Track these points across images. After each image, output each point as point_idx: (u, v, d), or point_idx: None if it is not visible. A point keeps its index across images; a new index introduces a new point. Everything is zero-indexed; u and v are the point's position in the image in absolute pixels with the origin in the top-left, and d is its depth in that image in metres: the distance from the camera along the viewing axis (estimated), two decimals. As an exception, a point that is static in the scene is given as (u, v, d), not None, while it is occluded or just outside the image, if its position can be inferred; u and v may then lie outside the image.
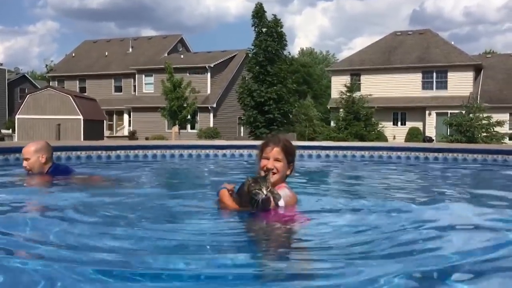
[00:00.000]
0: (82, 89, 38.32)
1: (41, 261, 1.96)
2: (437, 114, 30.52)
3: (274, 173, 2.79)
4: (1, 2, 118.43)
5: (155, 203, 3.60)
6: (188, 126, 32.22)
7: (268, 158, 2.81)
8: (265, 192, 2.60)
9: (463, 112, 23.69)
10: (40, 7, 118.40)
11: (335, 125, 27.44)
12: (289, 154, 2.84)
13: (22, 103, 25.16)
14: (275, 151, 2.81)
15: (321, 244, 2.29)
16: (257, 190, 2.60)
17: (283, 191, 2.78)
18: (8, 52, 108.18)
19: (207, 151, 10.49)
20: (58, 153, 9.51)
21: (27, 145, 4.52)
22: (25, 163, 4.41)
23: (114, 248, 2.19)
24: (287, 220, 2.67)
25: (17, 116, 24.74)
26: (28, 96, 25.25)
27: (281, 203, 2.69)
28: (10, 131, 30.12)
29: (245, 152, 10.53)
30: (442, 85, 31.59)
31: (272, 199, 2.64)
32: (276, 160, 2.81)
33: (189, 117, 28.19)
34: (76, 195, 3.76)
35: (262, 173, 2.80)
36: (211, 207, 3.03)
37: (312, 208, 3.04)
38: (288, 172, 2.86)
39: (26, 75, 46.26)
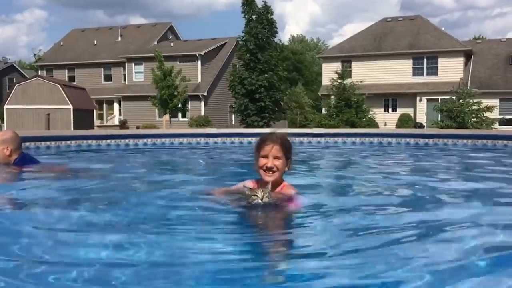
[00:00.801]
0: (71, 78, 37.94)
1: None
2: (428, 100, 30.61)
3: (274, 172, 2.74)
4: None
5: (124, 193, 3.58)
6: (179, 114, 32.12)
7: (267, 157, 2.73)
8: (260, 195, 2.55)
9: (454, 98, 23.76)
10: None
11: (326, 112, 27.43)
12: (287, 150, 2.77)
13: (11, 93, 24.89)
14: (274, 149, 2.73)
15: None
16: (253, 197, 2.57)
17: (292, 192, 2.81)
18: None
19: (199, 139, 10.47)
20: (48, 143, 9.45)
21: None
22: None
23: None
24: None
25: (5, 106, 24.48)
26: (16, 86, 24.98)
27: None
28: (-1, 121, 29.81)
29: (237, 140, 10.53)
30: (433, 71, 31.66)
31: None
32: (276, 158, 2.73)
33: (180, 105, 28.09)
34: (43, 185, 3.80)
35: (261, 172, 2.75)
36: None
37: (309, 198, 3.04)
38: (286, 169, 2.79)
39: (14, 64, 45.70)
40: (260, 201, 2.55)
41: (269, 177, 2.73)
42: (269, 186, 2.64)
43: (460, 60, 31.16)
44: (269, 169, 2.73)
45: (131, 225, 2.46)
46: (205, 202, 2.95)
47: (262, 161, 2.74)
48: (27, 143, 9.20)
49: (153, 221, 2.58)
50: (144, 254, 1.93)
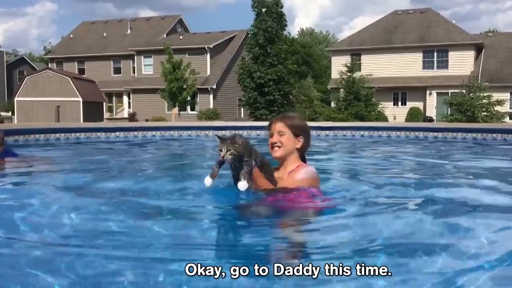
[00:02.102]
0: (81, 71, 38.13)
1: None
2: (438, 93, 30.38)
3: (279, 147, 2.77)
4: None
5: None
6: (188, 107, 32.14)
7: (272, 135, 2.81)
8: (223, 153, 2.54)
9: (464, 91, 23.59)
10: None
11: (335, 105, 27.35)
12: (293, 126, 2.77)
13: (21, 85, 25.07)
14: (277, 126, 2.79)
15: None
16: (218, 151, 2.56)
17: (303, 170, 2.75)
18: (7, 34, 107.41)
19: (207, 132, 10.50)
20: (58, 135, 9.54)
21: None
22: None
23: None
24: (302, 203, 2.62)
25: (16, 99, 24.68)
26: (27, 78, 25.15)
27: (242, 184, 2.57)
28: (10, 113, 30.07)
29: (245, 133, 10.55)
30: (443, 64, 31.39)
31: (230, 160, 2.57)
32: (279, 133, 2.77)
33: (189, 98, 28.09)
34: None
35: (270, 150, 2.82)
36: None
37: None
38: (297, 146, 2.77)
39: (24, 57, 46.00)
40: (221, 157, 2.56)
41: (275, 153, 2.80)
42: (238, 141, 2.60)
43: (471, 54, 30.85)
44: (274, 145, 2.79)
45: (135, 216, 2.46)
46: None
47: (269, 140, 2.84)
48: (37, 135, 9.30)
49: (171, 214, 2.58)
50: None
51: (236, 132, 9.64)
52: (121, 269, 1.67)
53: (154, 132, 10.37)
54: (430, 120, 27.30)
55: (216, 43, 35.03)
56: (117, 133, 10.29)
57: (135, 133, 10.24)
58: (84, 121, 22.66)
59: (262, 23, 26.94)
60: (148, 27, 40.39)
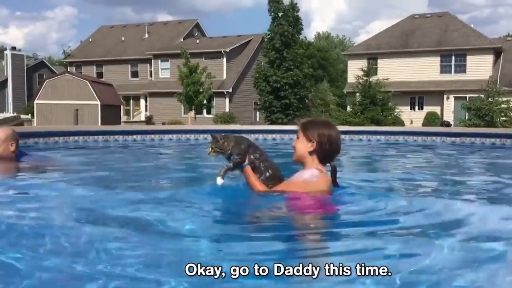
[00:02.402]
0: (99, 75, 38.61)
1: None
2: (455, 98, 30.10)
3: (294, 151, 2.82)
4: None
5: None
6: (204, 111, 32.34)
7: None
8: (208, 150, 2.88)
9: (482, 96, 23.33)
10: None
11: (351, 109, 27.25)
12: (307, 130, 2.74)
13: (40, 88, 25.46)
14: (298, 130, 2.82)
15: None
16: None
17: (296, 174, 2.75)
18: (27, 38, 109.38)
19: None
20: (76, 137, 9.68)
21: None
22: None
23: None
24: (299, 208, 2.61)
25: (35, 102, 25.06)
26: (46, 81, 25.54)
27: (217, 179, 2.82)
28: (29, 116, 30.55)
29: (261, 136, 10.57)
30: (461, 68, 31.11)
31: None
32: (296, 137, 2.80)
33: (205, 102, 28.28)
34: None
35: None
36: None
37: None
38: (309, 149, 2.72)
39: (44, 60, 46.70)
40: (208, 153, 2.89)
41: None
42: (220, 140, 2.88)
43: (489, 58, 30.51)
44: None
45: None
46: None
47: None
48: (56, 138, 9.45)
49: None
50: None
51: (252, 136, 9.61)
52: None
53: (171, 135, 10.45)
54: (448, 125, 27.04)
55: (233, 47, 35.21)
56: (135, 136, 10.40)
57: (153, 136, 10.34)
58: (102, 124, 22.92)
59: (278, 27, 26.99)
60: (166, 31, 40.76)
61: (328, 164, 2.79)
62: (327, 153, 2.72)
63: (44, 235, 2.08)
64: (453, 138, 8.82)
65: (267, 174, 2.84)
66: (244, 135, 10.68)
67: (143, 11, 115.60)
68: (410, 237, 2.15)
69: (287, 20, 27.08)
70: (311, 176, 2.68)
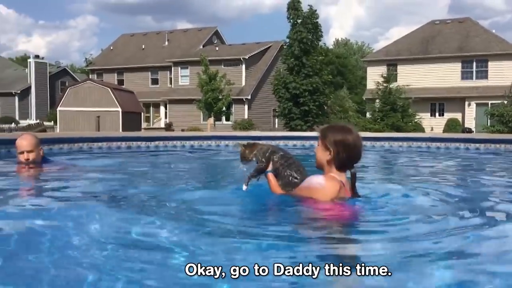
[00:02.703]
0: (120, 82, 39.13)
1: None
2: (477, 104, 29.71)
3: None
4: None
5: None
6: (223, 117, 32.49)
7: None
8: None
9: (505, 102, 23.01)
10: (80, 2, 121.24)
11: (371, 116, 27.11)
12: (324, 137, 2.76)
13: (63, 95, 25.93)
14: (319, 137, 2.85)
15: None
16: None
17: (307, 178, 2.82)
18: (50, 46, 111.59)
19: (245, 142, 10.58)
20: (100, 144, 9.83)
21: (23, 138, 4.58)
22: (28, 156, 4.45)
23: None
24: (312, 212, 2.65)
25: (58, 109, 25.51)
26: (69, 89, 26.00)
27: (243, 187, 3.05)
28: (52, 123, 31.09)
29: (281, 143, 10.59)
30: (482, 74, 30.73)
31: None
32: (317, 145, 2.83)
33: (224, 109, 28.42)
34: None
35: None
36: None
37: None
38: (327, 158, 2.73)
39: (66, 68, 47.47)
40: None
41: None
42: (240, 147, 3.16)
43: (512, 64, 30.08)
44: None
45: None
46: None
47: None
48: (81, 144, 9.61)
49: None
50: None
51: (273, 142, 9.69)
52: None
53: (192, 142, 10.53)
54: (469, 131, 26.68)
55: (251, 54, 35.36)
56: (157, 142, 10.50)
57: (174, 142, 10.43)
58: (123, 130, 23.22)
59: (297, 34, 27.00)
60: (185, 39, 41.15)
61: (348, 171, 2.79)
62: (344, 161, 2.72)
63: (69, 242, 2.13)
64: (477, 145, 8.72)
65: (289, 179, 2.94)
66: (264, 141, 10.69)
67: (163, 19, 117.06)
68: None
69: (306, 27, 27.08)
70: (315, 183, 2.72)
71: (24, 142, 4.48)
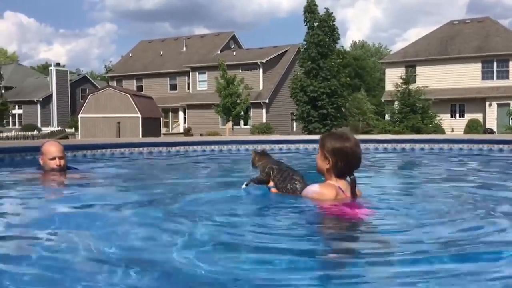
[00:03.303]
0: (139, 88, 39.56)
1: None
2: (498, 105, 29.29)
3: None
4: (63, 7, 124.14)
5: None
6: (241, 122, 32.60)
7: None
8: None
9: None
10: (99, 10, 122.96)
11: (390, 118, 26.92)
12: (322, 146, 2.86)
13: (84, 102, 26.31)
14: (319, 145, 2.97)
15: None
16: None
17: (307, 189, 2.91)
18: (70, 54, 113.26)
19: (264, 146, 10.64)
20: (122, 149, 9.97)
21: (53, 144, 4.64)
22: (61, 162, 4.50)
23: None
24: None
25: (80, 115, 25.90)
26: (89, 96, 26.38)
27: (243, 186, 3.32)
28: (73, 129, 31.59)
29: (301, 146, 10.61)
30: (503, 74, 30.29)
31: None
32: (318, 152, 2.95)
33: (242, 113, 28.52)
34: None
35: None
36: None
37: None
38: (327, 167, 2.83)
39: (87, 75, 48.22)
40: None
41: None
42: (252, 154, 3.43)
43: (534, 63, 29.60)
44: None
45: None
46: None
47: None
48: (103, 150, 9.76)
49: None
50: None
51: (292, 146, 9.59)
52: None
53: (213, 146, 10.61)
54: (491, 132, 26.31)
55: (269, 58, 35.45)
56: (177, 148, 10.61)
57: (195, 147, 10.52)
58: (142, 136, 23.46)
59: (314, 37, 26.99)
60: (203, 44, 41.44)
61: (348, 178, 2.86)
62: (342, 169, 2.81)
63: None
64: (500, 146, 8.61)
65: (291, 192, 3.08)
66: (285, 145, 10.59)
67: (180, 25, 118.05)
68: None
69: (322, 30, 27.05)
70: (311, 192, 2.86)
71: (55, 148, 4.53)
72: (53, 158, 4.48)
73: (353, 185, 2.82)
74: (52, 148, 4.54)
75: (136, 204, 3.28)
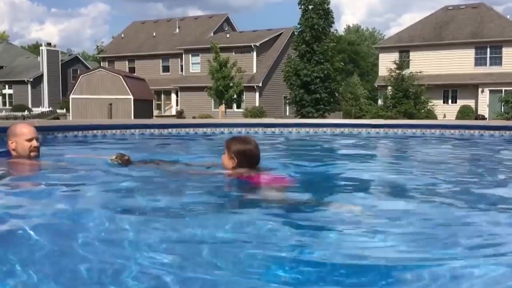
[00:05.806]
0: (131, 70, 39.21)
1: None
2: (491, 91, 29.38)
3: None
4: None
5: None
6: (234, 105, 32.49)
7: None
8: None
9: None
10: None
11: (383, 103, 26.95)
12: (228, 148, 3.36)
13: (75, 83, 26.05)
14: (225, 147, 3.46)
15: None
16: None
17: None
18: (62, 34, 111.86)
19: (257, 129, 10.62)
20: (114, 131, 9.90)
21: (27, 125, 4.02)
22: (38, 143, 3.89)
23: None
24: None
25: (71, 96, 25.65)
26: (81, 76, 26.10)
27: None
28: (64, 110, 31.33)
29: (294, 130, 10.61)
30: (497, 61, 30.32)
31: None
32: (223, 152, 3.42)
33: (235, 96, 28.39)
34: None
35: None
36: None
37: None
38: (232, 165, 3.34)
39: (78, 56, 47.65)
40: None
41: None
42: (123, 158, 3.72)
43: (527, 50, 29.63)
44: None
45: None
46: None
47: None
48: (95, 131, 9.69)
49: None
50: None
51: (285, 129, 9.58)
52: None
53: (205, 129, 10.57)
54: (482, 118, 26.43)
55: (263, 41, 35.20)
56: (170, 130, 10.56)
57: (187, 129, 10.48)
58: (134, 118, 23.30)
59: (308, 20, 26.80)
60: (196, 26, 41.05)
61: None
62: (246, 166, 3.35)
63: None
64: (491, 131, 8.66)
65: None
66: (277, 129, 10.55)
67: (174, 6, 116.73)
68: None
69: (317, 13, 26.85)
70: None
71: (32, 128, 3.91)
72: (31, 139, 3.81)
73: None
74: (28, 129, 3.87)
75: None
